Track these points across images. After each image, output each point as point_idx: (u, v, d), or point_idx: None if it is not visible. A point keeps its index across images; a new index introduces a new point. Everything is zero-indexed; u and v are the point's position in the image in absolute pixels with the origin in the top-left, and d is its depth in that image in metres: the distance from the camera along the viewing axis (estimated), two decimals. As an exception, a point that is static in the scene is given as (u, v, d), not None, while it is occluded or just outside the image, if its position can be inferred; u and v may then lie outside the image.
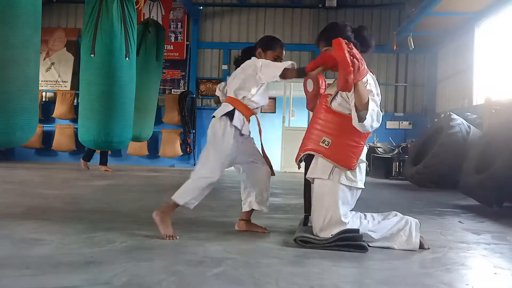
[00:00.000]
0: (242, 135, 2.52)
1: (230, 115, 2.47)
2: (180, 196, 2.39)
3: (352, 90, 2.08)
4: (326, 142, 2.26)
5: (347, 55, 2.01)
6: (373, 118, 2.10)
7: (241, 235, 2.51)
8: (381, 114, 2.15)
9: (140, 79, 6.97)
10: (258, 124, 2.64)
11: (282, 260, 1.96)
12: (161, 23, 8.48)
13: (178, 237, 2.29)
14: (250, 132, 2.61)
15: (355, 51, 2.06)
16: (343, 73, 2.03)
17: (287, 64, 2.32)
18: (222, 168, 2.48)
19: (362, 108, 2.09)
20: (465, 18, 7.81)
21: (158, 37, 7.12)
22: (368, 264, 1.99)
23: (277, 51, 2.59)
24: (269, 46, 2.59)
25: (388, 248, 2.24)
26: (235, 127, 2.46)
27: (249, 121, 2.57)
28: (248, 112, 2.53)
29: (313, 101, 2.57)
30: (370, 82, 2.21)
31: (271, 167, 2.66)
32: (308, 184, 2.48)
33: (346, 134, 2.23)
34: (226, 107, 2.51)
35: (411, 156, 7.17)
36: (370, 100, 2.09)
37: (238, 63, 2.63)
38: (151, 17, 9.84)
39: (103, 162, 7.47)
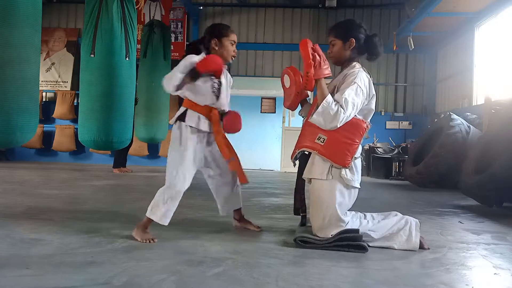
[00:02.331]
0: (202, 132, 2.42)
1: (182, 117, 2.41)
2: (152, 212, 2.33)
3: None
4: (321, 139, 2.27)
5: (310, 50, 2.19)
6: (327, 117, 2.16)
7: (241, 235, 2.51)
8: (344, 116, 2.15)
9: (149, 80, 6.98)
10: (214, 118, 2.43)
11: (282, 260, 1.96)
12: (161, 23, 8.47)
13: (156, 240, 2.24)
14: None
15: (320, 52, 2.22)
16: (304, 68, 2.20)
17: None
18: (189, 172, 2.37)
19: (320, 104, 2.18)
20: (465, 18, 7.82)
21: (164, 37, 7.13)
22: (368, 264, 1.99)
23: (231, 36, 2.48)
24: (221, 33, 2.46)
25: (388, 248, 2.24)
26: (190, 127, 2.38)
27: (211, 118, 2.42)
28: (203, 109, 2.41)
29: (290, 98, 2.45)
30: (361, 79, 2.24)
31: (242, 174, 2.50)
32: (300, 185, 2.48)
33: (341, 132, 2.23)
34: (179, 111, 2.45)
35: (411, 156, 7.18)
36: (326, 99, 2.16)
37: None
38: (152, 17, 9.85)
39: (118, 164, 7.47)
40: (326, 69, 2.25)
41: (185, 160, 2.36)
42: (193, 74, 2.29)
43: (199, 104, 2.43)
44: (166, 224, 2.33)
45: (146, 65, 7.07)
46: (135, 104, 7.38)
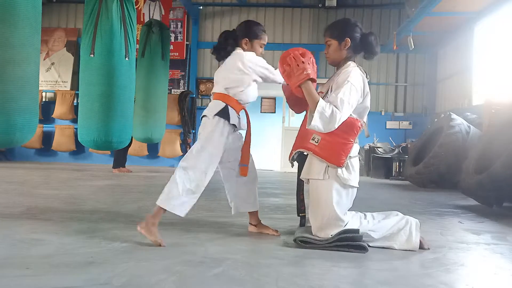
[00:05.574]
0: (235, 131, 2.45)
1: (224, 113, 2.38)
2: (166, 202, 2.23)
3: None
4: (316, 139, 2.28)
5: (280, 65, 2.28)
6: (325, 121, 2.14)
7: (241, 235, 2.51)
8: (340, 115, 2.13)
9: (147, 80, 6.95)
10: (248, 118, 2.52)
11: (282, 260, 1.96)
12: (161, 23, 8.45)
13: (165, 244, 2.13)
14: (245, 125, 2.52)
15: (298, 59, 2.19)
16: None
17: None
18: (213, 170, 2.36)
19: (313, 110, 2.15)
20: (465, 18, 7.82)
21: (162, 36, 7.10)
22: (368, 264, 1.99)
23: (263, 39, 2.52)
24: (255, 35, 2.49)
25: (388, 248, 2.24)
26: (232, 125, 2.39)
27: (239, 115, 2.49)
28: (240, 107, 2.44)
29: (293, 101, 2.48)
30: (355, 77, 2.23)
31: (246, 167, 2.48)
32: (300, 185, 2.48)
33: (335, 131, 2.22)
34: (217, 105, 2.40)
35: (411, 156, 7.18)
36: (319, 104, 2.14)
37: (219, 51, 2.53)
38: (151, 17, 9.84)
39: (117, 164, 7.49)
40: (300, 75, 2.17)
41: (213, 156, 2.34)
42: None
43: (242, 103, 2.45)
44: (182, 215, 2.26)
45: (144, 64, 7.04)
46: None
